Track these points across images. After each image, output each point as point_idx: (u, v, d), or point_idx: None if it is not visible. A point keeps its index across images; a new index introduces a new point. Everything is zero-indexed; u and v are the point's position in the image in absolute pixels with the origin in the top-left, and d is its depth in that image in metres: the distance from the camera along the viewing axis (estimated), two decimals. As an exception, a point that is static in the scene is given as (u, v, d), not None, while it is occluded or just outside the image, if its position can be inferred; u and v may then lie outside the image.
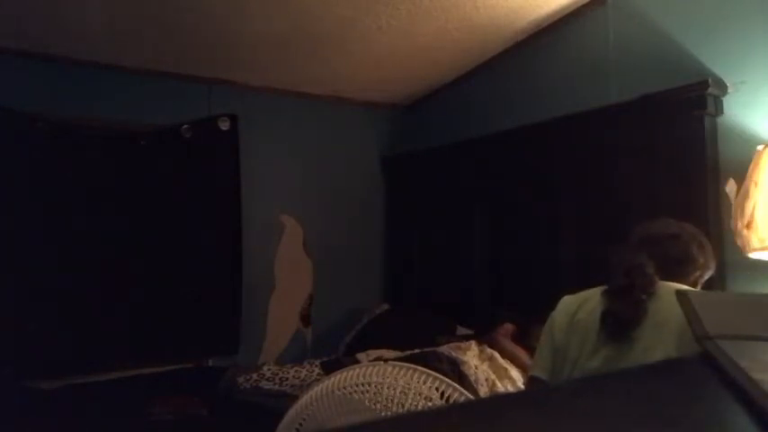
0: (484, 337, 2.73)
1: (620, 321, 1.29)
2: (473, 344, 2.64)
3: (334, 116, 3.87)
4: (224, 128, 3.28)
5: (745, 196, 1.99)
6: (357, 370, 1.52)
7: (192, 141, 3.22)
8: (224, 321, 3.26)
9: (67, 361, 2.87)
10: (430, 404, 1.43)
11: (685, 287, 1.37)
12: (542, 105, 3.01)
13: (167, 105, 3.29)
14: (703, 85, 2.29)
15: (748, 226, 1.95)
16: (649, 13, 2.62)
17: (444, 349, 2.59)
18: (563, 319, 1.45)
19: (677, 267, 1.42)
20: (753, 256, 1.98)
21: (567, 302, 1.49)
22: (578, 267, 2.65)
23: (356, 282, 3.88)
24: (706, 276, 1.49)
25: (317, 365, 2.66)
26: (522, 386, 2.43)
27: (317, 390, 1.51)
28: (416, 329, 3.15)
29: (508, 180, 3.19)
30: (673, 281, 1.37)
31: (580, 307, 1.44)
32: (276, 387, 2.50)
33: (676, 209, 1.97)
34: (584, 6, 2.87)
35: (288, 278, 3.64)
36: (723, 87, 2.33)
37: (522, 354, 2.58)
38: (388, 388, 1.47)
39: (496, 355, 2.58)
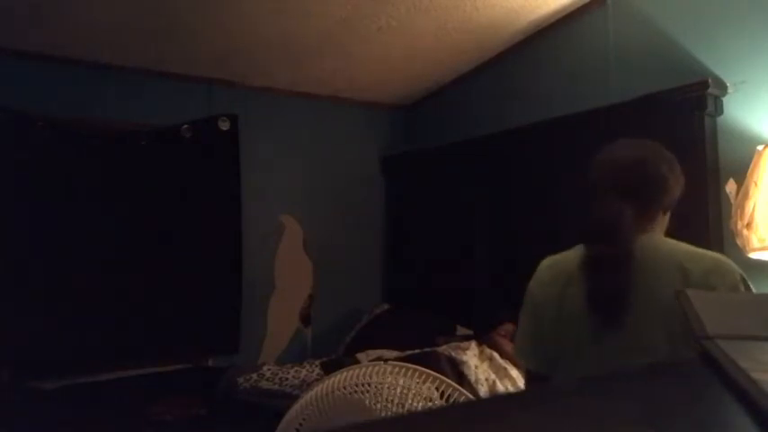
0: (483, 337, 2.73)
1: (610, 305, 1.22)
2: (473, 344, 2.64)
3: (334, 116, 3.87)
4: (224, 128, 3.28)
5: (745, 196, 1.99)
6: (357, 370, 1.52)
7: (191, 141, 3.22)
8: (224, 321, 3.26)
9: (67, 361, 2.88)
10: (430, 404, 1.43)
11: (664, 237, 1.31)
12: (542, 105, 3.01)
13: (167, 105, 3.29)
14: (703, 85, 2.29)
15: (748, 226, 1.95)
16: (649, 13, 2.62)
17: (444, 349, 2.59)
18: (548, 302, 1.35)
19: (649, 192, 1.32)
20: (753, 256, 1.98)
21: (546, 277, 1.39)
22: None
23: (356, 282, 3.88)
24: (677, 195, 1.36)
25: (316, 365, 2.66)
26: (523, 386, 2.43)
27: (317, 390, 1.51)
28: (416, 329, 3.15)
29: (508, 180, 3.19)
30: (646, 209, 1.30)
31: (562, 282, 1.33)
32: (276, 387, 2.50)
33: (676, 208, 1.97)
34: (584, 6, 2.87)
35: (288, 278, 3.64)
36: (723, 87, 2.33)
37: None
38: (388, 388, 1.47)
39: (496, 355, 2.58)
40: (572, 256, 1.34)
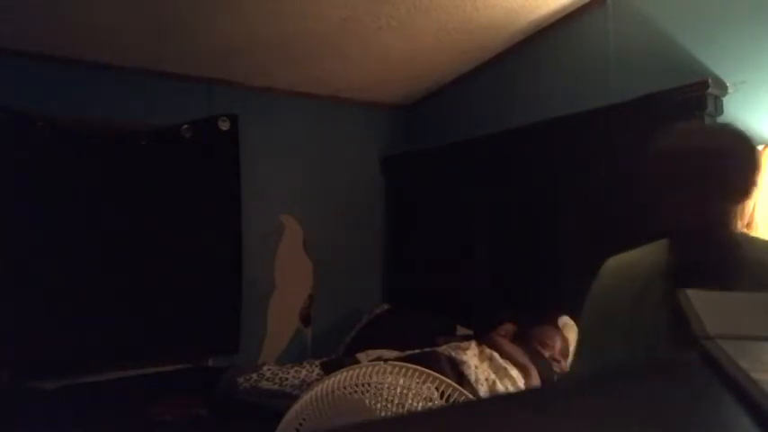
0: (483, 337, 2.73)
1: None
2: (473, 344, 2.64)
3: (334, 116, 3.87)
4: (224, 128, 3.28)
5: (746, 196, 1.98)
6: (357, 370, 1.52)
7: (192, 141, 3.22)
8: (224, 321, 3.26)
9: (67, 361, 2.88)
10: (430, 404, 1.43)
11: (746, 234, 1.17)
12: (542, 105, 3.01)
13: (167, 105, 3.29)
14: (703, 85, 2.29)
15: (748, 226, 1.95)
16: (649, 13, 2.62)
17: (444, 349, 2.59)
18: (617, 311, 1.15)
19: (736, 184, 1.08)
20: (753, 256, 1.98)
21: (615, 282, 1.18)
22: (578, 267, 2.64)
23: (356, 282, 3.88)
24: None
25: (316, 365, 2.65)
26: (523, 386, 2.43)
27: (317, 390, 1.51)
28: (416, 329, 3.15)
29: (508, 180, 3.19)
30: (734, 204, 1.09)
31: (636, 289, 1.13)
32: (276, 387, 2.50)
33: (676, 209, 1.96)
34: (584, 6, 2.87)
35: (288, 278, 3.64)
36: (723, 87, 2.33)
37: (519, 354, 2.58)
38: (388, 388, 1.47)
39: (496, 355, 2.58)
40: (647, 259, 1.16)
